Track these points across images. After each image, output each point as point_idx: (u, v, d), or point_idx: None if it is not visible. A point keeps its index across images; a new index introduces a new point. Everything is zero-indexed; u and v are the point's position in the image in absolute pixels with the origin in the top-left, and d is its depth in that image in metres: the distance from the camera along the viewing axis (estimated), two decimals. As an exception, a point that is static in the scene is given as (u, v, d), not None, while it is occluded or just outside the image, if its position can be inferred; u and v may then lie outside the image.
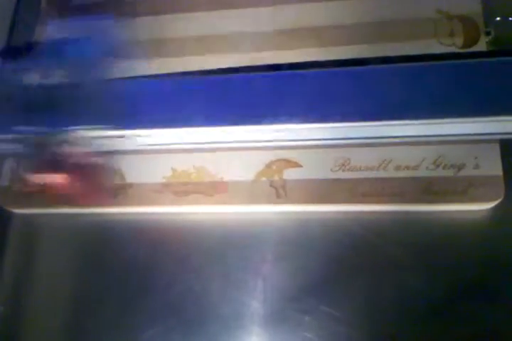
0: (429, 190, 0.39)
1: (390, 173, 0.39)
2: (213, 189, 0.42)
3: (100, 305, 0.41)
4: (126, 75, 0.40)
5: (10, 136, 0.34)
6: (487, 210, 0.39)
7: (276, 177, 0.41)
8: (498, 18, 0.41)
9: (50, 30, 0.47)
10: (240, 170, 0.41)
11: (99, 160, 0.37)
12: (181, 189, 0.42)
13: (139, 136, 0.33)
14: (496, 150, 0.39)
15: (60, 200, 0.43)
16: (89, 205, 0.43)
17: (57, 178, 0.36)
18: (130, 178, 0.43)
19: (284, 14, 0.44)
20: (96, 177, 0.38)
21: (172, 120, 0.33)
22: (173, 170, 0.43)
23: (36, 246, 0.45)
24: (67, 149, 0.33)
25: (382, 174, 0.40)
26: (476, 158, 0.39)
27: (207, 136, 0.33)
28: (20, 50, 0.37)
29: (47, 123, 0.33)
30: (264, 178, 0.41)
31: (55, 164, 0.35)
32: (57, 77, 0.34)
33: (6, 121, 0.34)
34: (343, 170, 0.40)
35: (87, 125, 0.32)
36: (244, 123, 0.31)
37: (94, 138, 0.33)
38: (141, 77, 0.37)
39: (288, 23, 0.44)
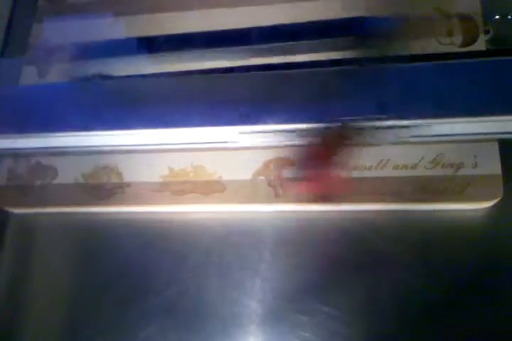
0: (427, 189, 0.39)
1: (388, 172, 0.39)
2: (211, 188, 0.41)
3: (99, 305, 0.41)
4: (125, 73, 0.40)
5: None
6: (486, 209, 0.39)
7: (274, 176, 0.41)
8: (496, 17, 0.41)
9: (47, 28, 0.47)
10: (237, 169, 0.41)
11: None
12: (179, 188, 0.42)
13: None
14: (494, 150, 0.39)
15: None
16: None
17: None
18: (128, 177, 0.43)
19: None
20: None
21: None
22: (171, 169, 0.42)
23: (34, 245, 0.45)
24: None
25: (380, 173, 0.39)
26: (474, 157, 0.39)
27: (204, 136, 0.33)
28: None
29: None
30: (261, 177, 0.41)
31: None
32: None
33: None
34: (342, 170, 0.40)
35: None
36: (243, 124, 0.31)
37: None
38: (140, 77, 0.37)
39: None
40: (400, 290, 0.38)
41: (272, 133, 0.33)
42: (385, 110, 0.31)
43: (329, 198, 0.39)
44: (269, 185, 0.41)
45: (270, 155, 0.41)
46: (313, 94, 0.32)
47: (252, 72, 0.34)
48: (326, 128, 0.33)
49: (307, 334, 0.37)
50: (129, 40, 0.44)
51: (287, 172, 0.41)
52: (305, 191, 0.39)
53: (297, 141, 0.34)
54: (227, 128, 0.33)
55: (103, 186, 0.43)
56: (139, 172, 0.43)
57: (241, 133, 0.33)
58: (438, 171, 0.39)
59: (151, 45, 0.43)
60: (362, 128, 0.33)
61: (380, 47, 0.37)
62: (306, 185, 0.39)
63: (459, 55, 0.39)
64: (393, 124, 0.32)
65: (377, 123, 0.32)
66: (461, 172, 0.39)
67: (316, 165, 0.37)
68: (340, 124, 0.32)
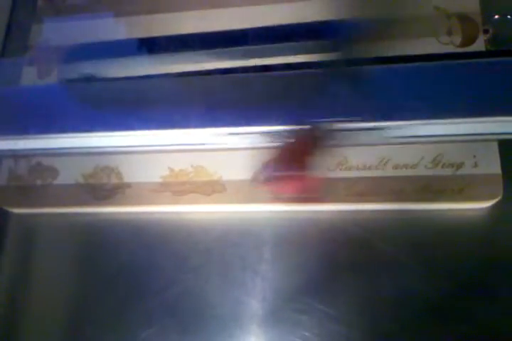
0: (427, 188, 0.39)
1: (389, 172, 0.39)
2: (211, 188, 0.41)
3: (99, 305, 0.41)
4: (124, 74, 0.40)
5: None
6: (486, 209, 0.39)
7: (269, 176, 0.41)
8: (496, 16, 0.41)
9: (47, 29, 0.47)
10: (237, 169, 0.41)
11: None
12: (179, 188, 0.42)
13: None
14: (494, 149, 0.39)
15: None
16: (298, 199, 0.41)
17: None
18: (128, 178, 0.43)
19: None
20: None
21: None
22: (171, 169, 0.43)
23: (35, 246, 0.45)
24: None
25: (380, 173, 0.39)
26: (474, 156, 0.39)
27: (204, 137, 0.33)
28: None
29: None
30: (261, 177, 0.41)
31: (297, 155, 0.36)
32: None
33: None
34: (341, 169, 0.40)
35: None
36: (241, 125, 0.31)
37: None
38: (140, 78, 0.37)
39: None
40: (400, 290, 0.38)
41: (262, 134, 0.33)
42: (382, 110, 0.31)
43: (308, 199, 0.39)
44: (263, 185, 0.40)
45: (268, 155, 0.41)
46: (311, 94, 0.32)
47: (249, 74, 0.35)
48: (306, 129, 0.33)
49: (307, 334, 0.38)
50: (128, 40, 0.44)
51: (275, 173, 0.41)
52: (285, 191, 0.39)
53: (277, 143, 0.34)
54: (226, 129, 0.33)
55: (103, 186, 0.43)
56: (140, 173, 0.43)
57: (240, 134, 0.33)
58: (438, 171, 0.39)
59: (150, 46, 0.43)
60: (351, 130, 0.33)
61: (360, 49, 0.37)
62: (285, 185, 0.39)
63: (458, 55, 0.39)
64: (389, 125, 0.32)
65: (372, 125, 0.32)
66: (461, 172, 0.39)
67: (290, 166, 0.37)
68: (317, 125, 0.33)
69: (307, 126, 0.33)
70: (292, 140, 0.33)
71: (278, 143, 0.34)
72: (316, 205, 0.40)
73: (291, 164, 0.36)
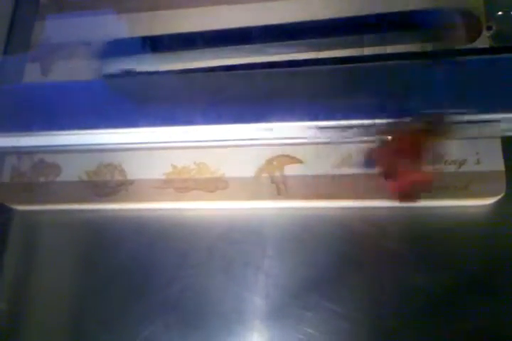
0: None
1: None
2: (214, 185, 0.42)
3: (102, 301, 0.42)
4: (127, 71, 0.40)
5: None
6: (488, 206, 0.39)
7: (277, 173, 0.41)
8: (499, 13, 0.41)
9: (49, 26, 0.47)
10: (240, 166, 0.41)
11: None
12: (182, 185, 0.42)
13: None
14: (497, 146, 0.38)
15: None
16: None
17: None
18: (131, 175, 0.43)
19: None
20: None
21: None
22: (174, 166, 0.43)
23: (38, 242, 0.45)
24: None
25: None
26: (477, 153, 0.39)
27: (207, 134, 0.33)
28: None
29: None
30: (265, 174, 0.41)
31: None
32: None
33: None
34: (344, 166, 0.40)
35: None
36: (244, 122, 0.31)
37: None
38: (143, 75, 0.37)
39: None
40: (403, 286, 0.38)
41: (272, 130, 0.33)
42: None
43: (412, 196, 0.38)
44: (272, 182, 0.41)
45: (273, 152, 0.41)
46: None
47: (256, 70, 0.34)
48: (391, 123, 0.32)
49: (311, 330, 0.38)
50: (131, 38, 0.44)
51: (289, 170, 0.41)
52: (391, 189, 0.38)
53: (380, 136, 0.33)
54: (231, 126, 0.33)
55: (106, 183, 0.43)
56: (142, 170, 0.43)
57: (244, 130, 0.33)
58: (441, 168, 0.39)
59: (154, 43, 0.43)
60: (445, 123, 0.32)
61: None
62: (390, 183, 0.37)
63: (461, 52, 0.38)
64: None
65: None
66: (464, 168, 0.39)
67: (406, 160, 0.35)
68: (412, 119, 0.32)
69: (419, 119, 0.32)
70: (404, 133, 0.33)
71: (385, 137, 0.33)
72: (317, 202, 0.40)
73: (407, 158, 0.35)
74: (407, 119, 0.32)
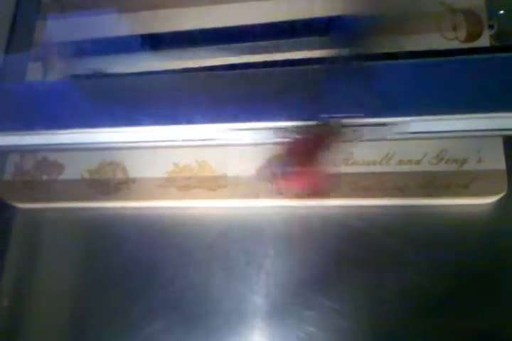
0: (431, 184, 0.39)
1: (393, 167, 0.39)
2: (215, 183, 0.42)
3: (104, 299, 0.42)
4: (129, 70, 0.40)
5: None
6: (490, 204, 0.39)
7: (274, 172, 0.41)
8: (501, 12, 0.41)
9: (51, 25, 0.47)
10: (242, 164, 0.41)
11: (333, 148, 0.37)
12: (184, 183, 0.42)
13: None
14: (499, 145, 0.39)
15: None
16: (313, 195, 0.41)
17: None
18: (133, 173, 0.43)
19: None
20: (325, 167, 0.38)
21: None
22: (176, 164, 0.43)
23: (41, 240, 0.45)
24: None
25: (384, 168, 0.40)
26: (478, 152, 0.39)
27: (208, 133, 0.33)
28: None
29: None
30: (265, 173, 0.41)
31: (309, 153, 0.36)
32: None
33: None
34: (346, 165, 0.40)
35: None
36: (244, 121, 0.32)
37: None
38: (145, 73, 0.37)
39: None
40: (404, 285, 0.38)
41: (269, 131, 0.33)
42: (387, 107, 0.31)
43: (317, 194, 0.39)
44: (270, 180, 0.41)
45: (274, 151, 0.41)
46: (311, 91, 0.33)
47: (253, 69, 0.35)
48: (317, 125, 0.33)
49: (312, 329, 0.38)
50: (133, 36, 0.44)
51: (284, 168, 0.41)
52: (294, 186, 0.39)
53: (286, 138, 0.34)
54: (230, 125, 0.33)
55: (109, 182, 0.43)
56: (144, 168, 0.43)
57: (244, 129, 0.33)
58: (442, 166, 0.39)
59: (155, 42, 0.43)
60: (354, 125, 0.33)
61: (365, 45, 0.37)
62: (294, 180, 0.39)
63: (462, 50, 0.39)
64: (395, 121, 0.32)
65: (373, 120, 0.32)
66: (465, 167, 0.39)
67: (303, 161, 0.37)
68: (329, 121, 0.33)
69: (316, 122, 0.33)
70: (301, 136, 0.34)
71: (285, 139, 0.34)
72: (321, 200, 0.40)
73: (301, 160, 0.36)
74: (311, 122, 0.33)
